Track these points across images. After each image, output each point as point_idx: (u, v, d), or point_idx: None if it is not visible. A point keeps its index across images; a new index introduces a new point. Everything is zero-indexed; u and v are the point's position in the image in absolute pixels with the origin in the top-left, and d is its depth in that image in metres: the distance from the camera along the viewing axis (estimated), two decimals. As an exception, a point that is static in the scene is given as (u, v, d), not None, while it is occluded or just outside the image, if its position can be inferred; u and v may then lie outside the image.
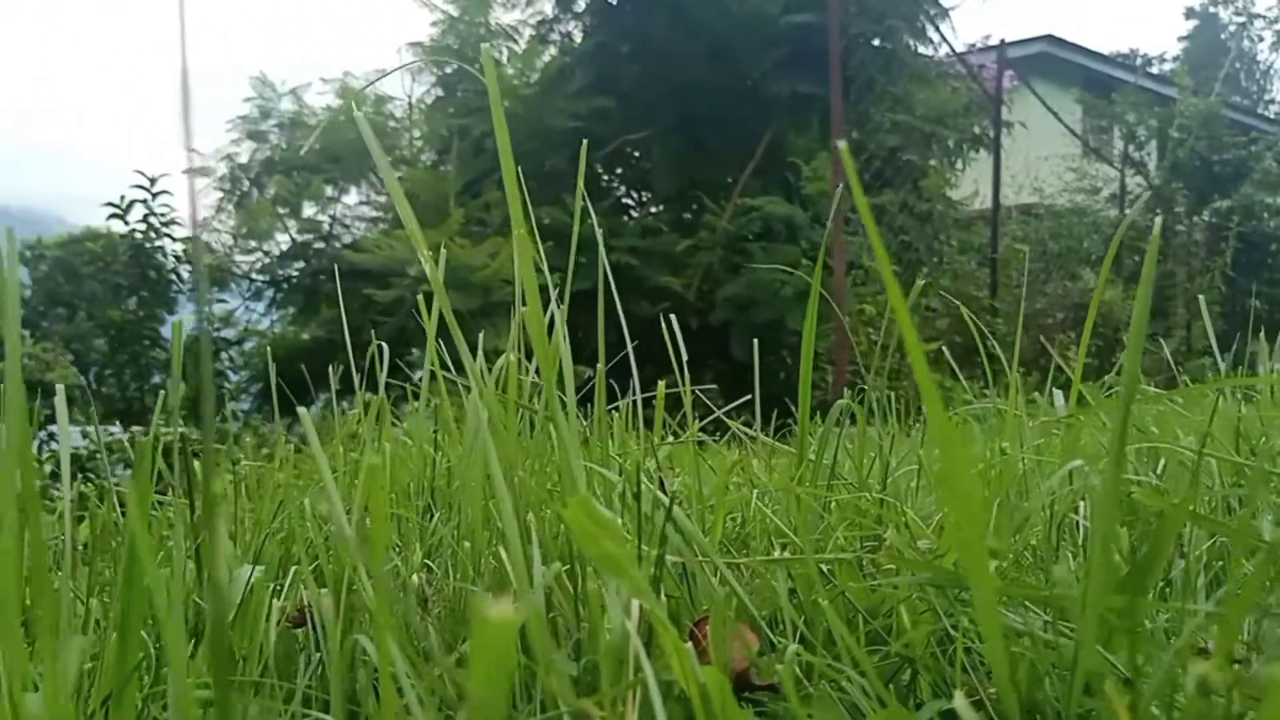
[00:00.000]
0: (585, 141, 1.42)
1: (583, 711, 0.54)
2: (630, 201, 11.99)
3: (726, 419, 1.40)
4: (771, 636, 0.70)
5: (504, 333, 7.51)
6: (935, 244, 10.49)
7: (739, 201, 8.30)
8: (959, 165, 11.09)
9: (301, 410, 0.86)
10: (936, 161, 10.64)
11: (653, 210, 11.16)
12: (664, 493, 0.76)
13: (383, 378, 1.17)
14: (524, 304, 0.90)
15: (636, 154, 11.19)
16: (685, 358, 1.30)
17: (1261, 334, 1.88)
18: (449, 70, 11.36)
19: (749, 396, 1.40)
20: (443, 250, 1.22)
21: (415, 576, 0.80)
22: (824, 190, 7.21)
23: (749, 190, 8.86)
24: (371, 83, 12.51)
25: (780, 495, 1.07)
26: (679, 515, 0.72)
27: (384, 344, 1.31)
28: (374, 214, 12.39)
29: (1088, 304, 10.39)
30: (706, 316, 8.25)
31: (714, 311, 7.90)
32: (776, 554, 0.99)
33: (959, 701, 0.50)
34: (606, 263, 1.20)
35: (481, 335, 1.28)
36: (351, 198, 12.43)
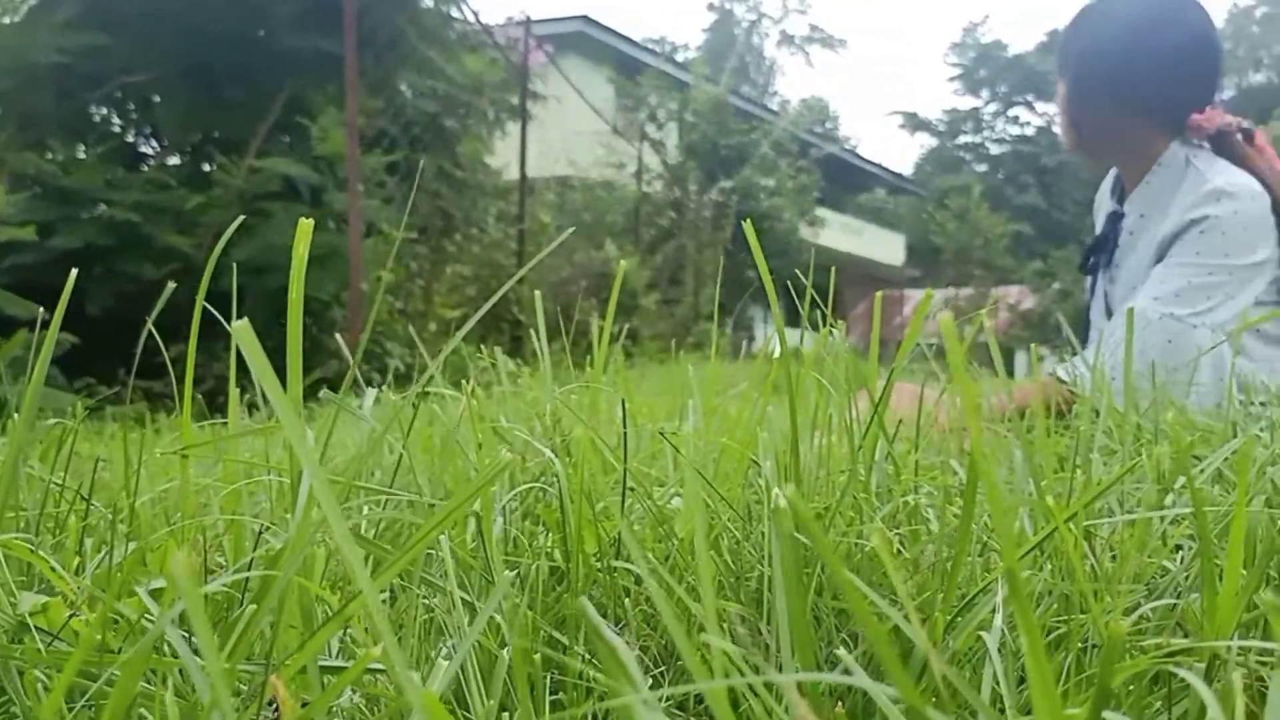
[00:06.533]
0: None
1: None
2: (149, 151, 10.89)
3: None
4: None
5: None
6: (473, 212, 10.63)
7: (254, 163, 7.81)
8: (498, 135, 11.30)
9: None
10: (477, 130, 10.74)
11: (168, 162, 10.20)
12: None
13: None
14: None
15: (158, 97, 10.15)
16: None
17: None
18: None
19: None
20: None
21: None
22: (340, 151, 6.97)
23: (273, 147, 8.35)
24: None
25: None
26: None
27: None
28: None
29: (610, 272, 11.08)
30: (219, 281, 7.67)
31: (227, 276, 7.38)
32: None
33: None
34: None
35: None
36: None
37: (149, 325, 0.82)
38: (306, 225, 0.58)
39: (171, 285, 0.92)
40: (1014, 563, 0.24)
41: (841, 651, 0.32)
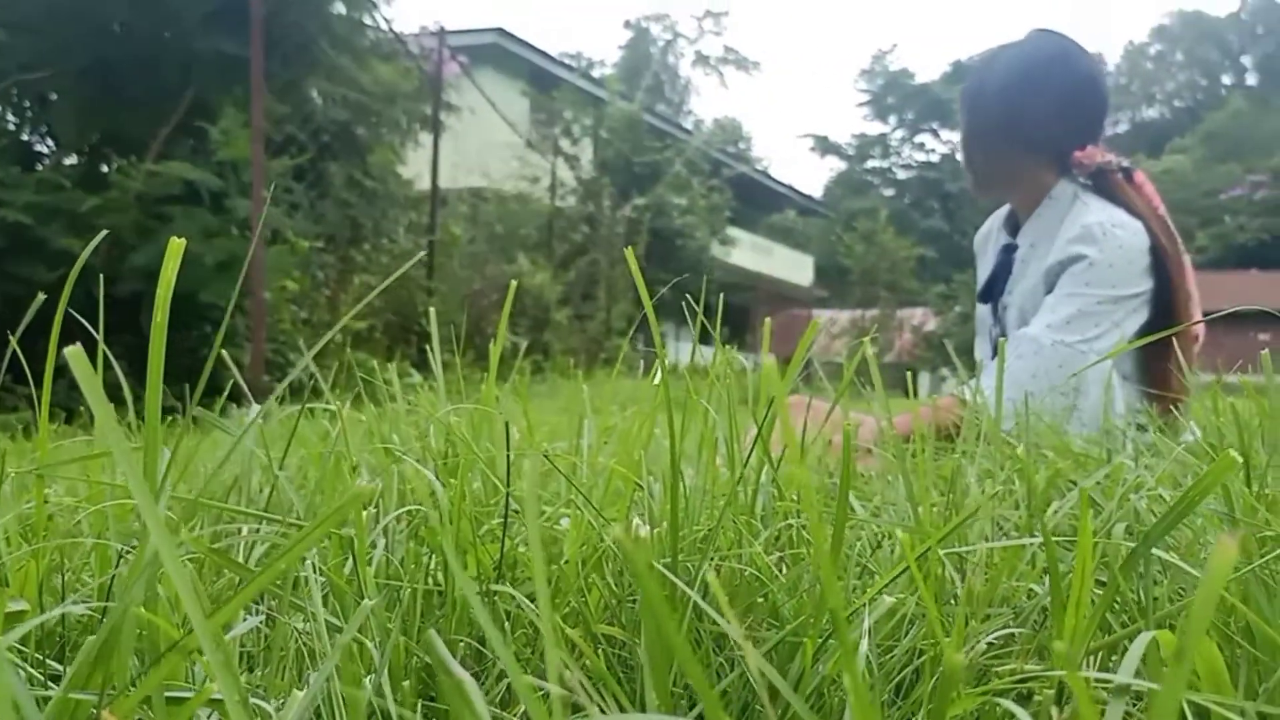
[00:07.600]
0: None
1: None
2: (44, 150, 10.53)
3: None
4: None
5: None
6: (383, 222, 10.48)
7: (151, 167, 7.57)
8: (411, 145, 11.17)
9: None
10: (389, 139, 10.59)
11: (64, 162, 9.86)
12: None
13: None
14: None
15: (55, 95, 9.83)
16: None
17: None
18: None
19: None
20: None
21: None
22: (244, 155, 6.80)
23: (175, 150, 8.13)
24: None
25: None
26: None
27: None
28: None
29: (522, 285, 11.03)
30: (115, 285, 7.42)
31: (123, 280, 7.14)
32: None
33: None
34: None
35: None
36: None
37: (14, 338, 0.79)
38: (177, 245, 0.56)
39: (42, 296, 0.89)
40: (839, 605, 0.24)
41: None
